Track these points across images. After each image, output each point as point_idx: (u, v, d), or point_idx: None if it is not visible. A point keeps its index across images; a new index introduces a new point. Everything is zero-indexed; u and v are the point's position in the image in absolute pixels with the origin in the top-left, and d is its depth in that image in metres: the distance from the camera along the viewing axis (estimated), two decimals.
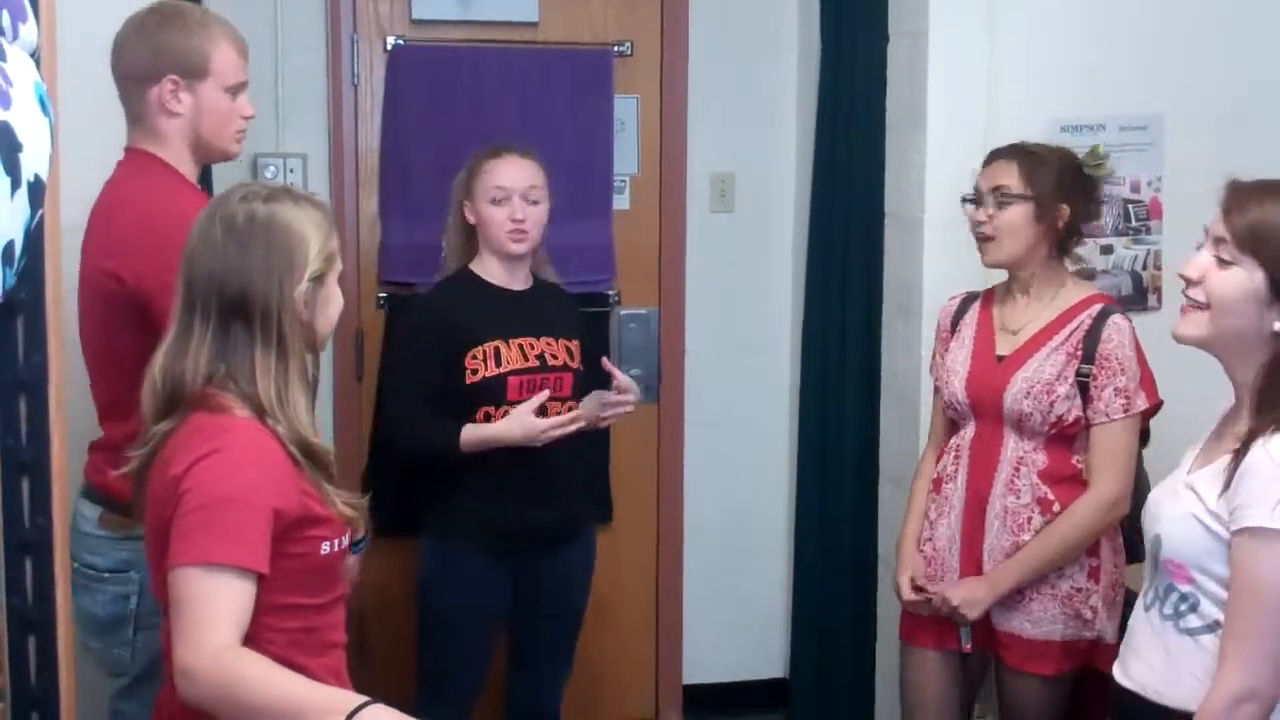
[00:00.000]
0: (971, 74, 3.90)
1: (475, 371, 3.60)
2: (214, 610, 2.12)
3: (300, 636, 2.33)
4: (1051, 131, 3.74)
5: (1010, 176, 3.27)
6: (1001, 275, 3.40)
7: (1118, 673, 2.51)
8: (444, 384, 3.60)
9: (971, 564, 3.32)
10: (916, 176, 3.93)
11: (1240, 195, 2.35)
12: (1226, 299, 2.34)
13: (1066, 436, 3.24)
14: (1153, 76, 4.01)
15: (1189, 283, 2.40)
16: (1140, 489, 3.29)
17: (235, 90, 2.97)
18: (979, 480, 3.30)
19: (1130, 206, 4.02)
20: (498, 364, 3.61)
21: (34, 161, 1.66)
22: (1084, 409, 3.21)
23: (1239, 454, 2.28)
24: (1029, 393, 3.22)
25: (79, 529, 2.90)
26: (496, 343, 3.62)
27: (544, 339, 3.68)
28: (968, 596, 3.26)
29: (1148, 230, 4.03)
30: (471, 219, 3.71)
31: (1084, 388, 3.20)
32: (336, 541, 2.38)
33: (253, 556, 2.17)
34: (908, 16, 4.01)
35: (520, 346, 3.64)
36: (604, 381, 3.74)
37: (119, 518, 2.79)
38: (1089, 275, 3.96)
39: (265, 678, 2.12)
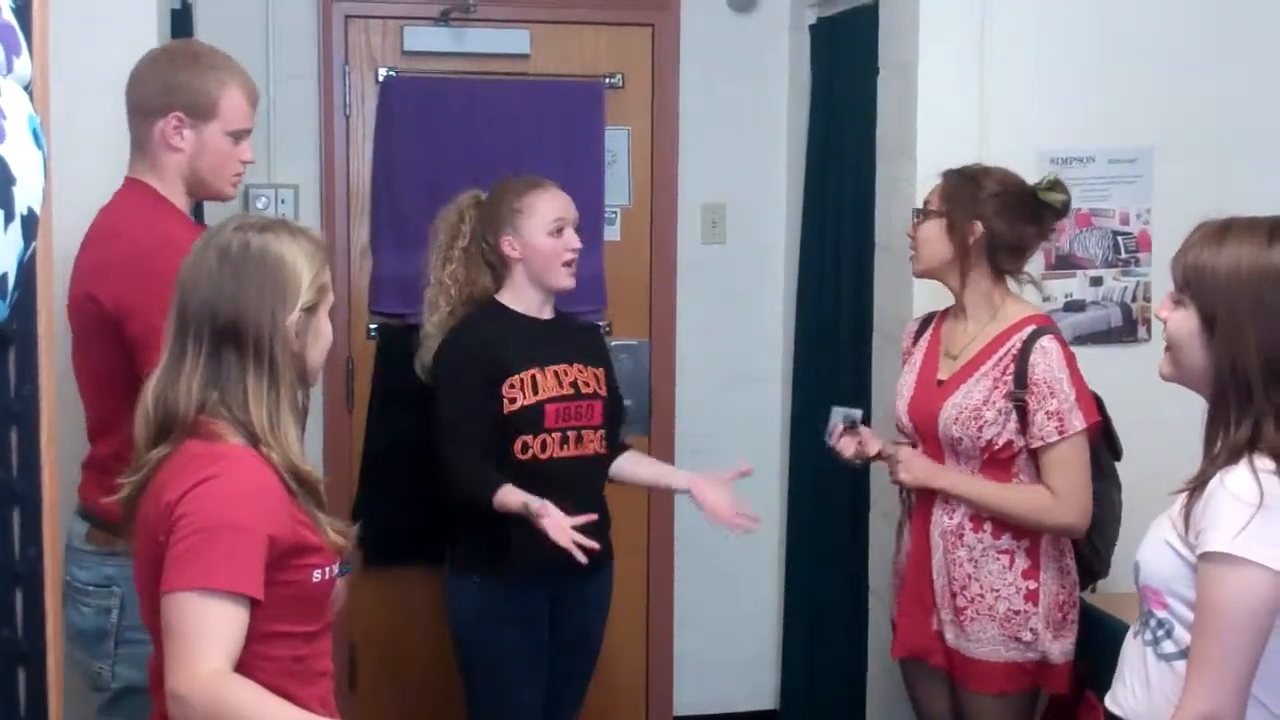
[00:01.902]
0: (961, 105, 3.90)
1: (514, 400, 3.59)
2: (207, 636, 2.13)
3: (291, 665, 2.33)
4: (1041, 163, 3.76)
5: (934, 194, 3.39)
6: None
7: (1108, 700, 2.54)
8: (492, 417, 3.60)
9: (923, 579, 3.37)
10: (906, 208, 3.93)
11: (1193, 238, 2.42)
12: (1178, 338, 2.41)
13: (1001, 460, 3.26)
14: (1143, 109, 4.02)
15: (1164, 323, 2.45)
16: (1106, 513, 3.34)
17: (239, 135, 3.02)
18: (925, 501, 3.37)
19: (1120, 238, 4.02)
20: (535, 392, 3.60)
21: (27, 195, 1.67)
22: (1022, 433, 3.23)
23: (1196, 490, 2.32)
24: (957, 419, 3.26)
25: (70, 545, 2.96)
26: (534, 370, 3.61)
27: (576, 365, 3.68)
28: (915, 474, 3.34)
29: (1137, 262, 4.04)
30: (515, 253, 3.66)
31: (1021, 412, 3.22)
32: (327, 570, 2.39)
33: (247, 582, 2.17)
34: (898, 48, 4.02)
35: (556, 374, 3.64)
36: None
37: (105, 534, 2.85)
38: (1079, 306, 3.98)
39: (257, 704, 2.13)
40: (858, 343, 4.37)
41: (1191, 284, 2.38)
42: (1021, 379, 3.21)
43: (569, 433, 3.64)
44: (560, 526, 3.35)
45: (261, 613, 2.20)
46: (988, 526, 3.27)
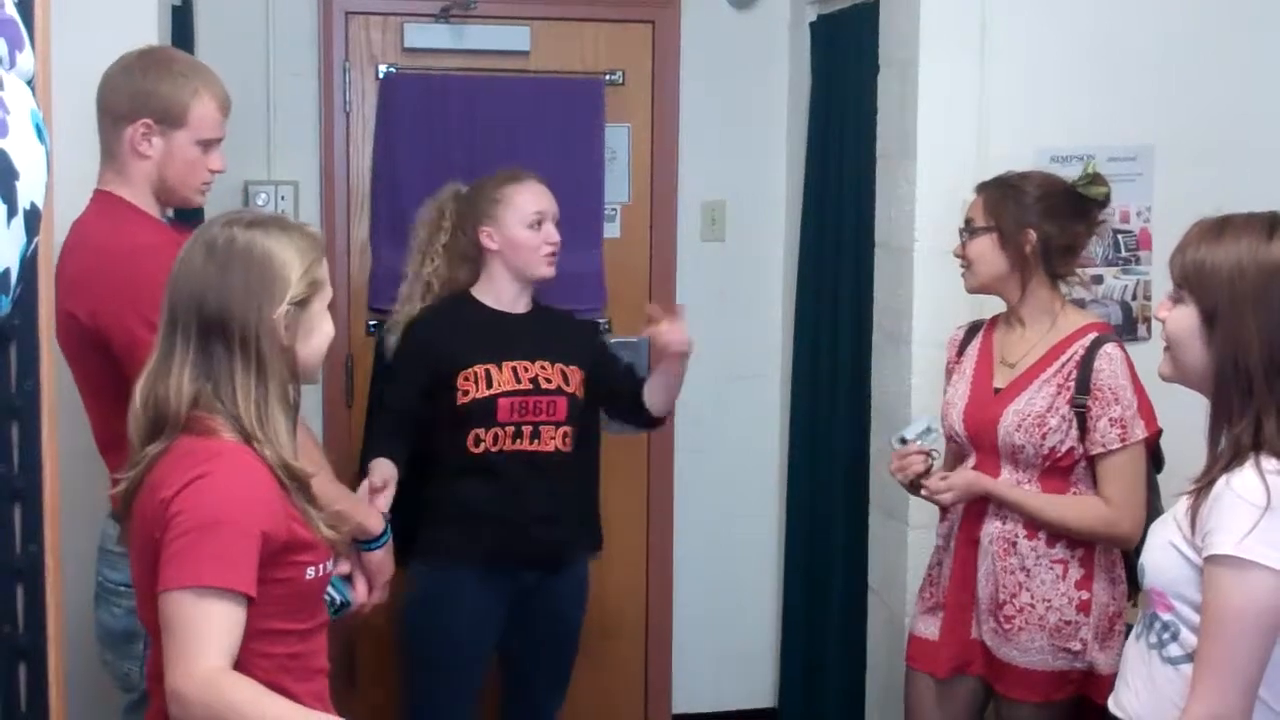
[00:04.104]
0: (962, 104, 3.90)
1: (467, 393, 3.62)
2: (205, 634, 2.14)
3: (286, 662, 2.34)
4: (1041, 161, 3.75)
5: (976, 209, 3.34)
6: (996, 303, 3.42)
7: (1111, 703, 2.52)
8: (436, 406, 3.64)
9: (967, 591, 3.32)
10: (906, 206, 3.94)
11: (1191, 235, 2.42)
12: (1177, 336, 2.41)
13: (1061, 469, 3.23)
14: (1143, 107, 4.02)
15: (1162, 323, 2.45)
16: (1150, 522, 3.29)
17: (209, 144, 3.01)
18: (974, 510, 3.31)
19: (1120, 237, 4.02)
20: (489, 386, 3.62)
21: (30, 189, 1.67)
22: (1082, 440, 3.21)
23: (1202, 490, 2.31)
24: (1020, 425, 3.21)
25: (104, 547, 3.00)
26: (489, 365, 3.63)
27: (539, 362, 3.67)
28: (956, 489, 3.27)
29: (1137, 261, 4.04)
30: (493, 245, 3.69)
31: (1082, 419, 3.20)
32: (321, 566, 2.40)
33: (242, 579, 2.18)
34: (898, 46, 4.02)
35: (514, 369, 3.65)
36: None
37: None
38: (1078, 304, 3.97)
39: (256, 702, 2.14)
40: (857, 340, 4.37)
41: (1190, 280, 2.38)
42: (1084, 385, 3.18)
43: (524, 428, 3.65)
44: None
45: (256, 610, 2.21)
46: (1042, 535, 3.22)
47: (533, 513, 3.66)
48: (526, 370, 3.66)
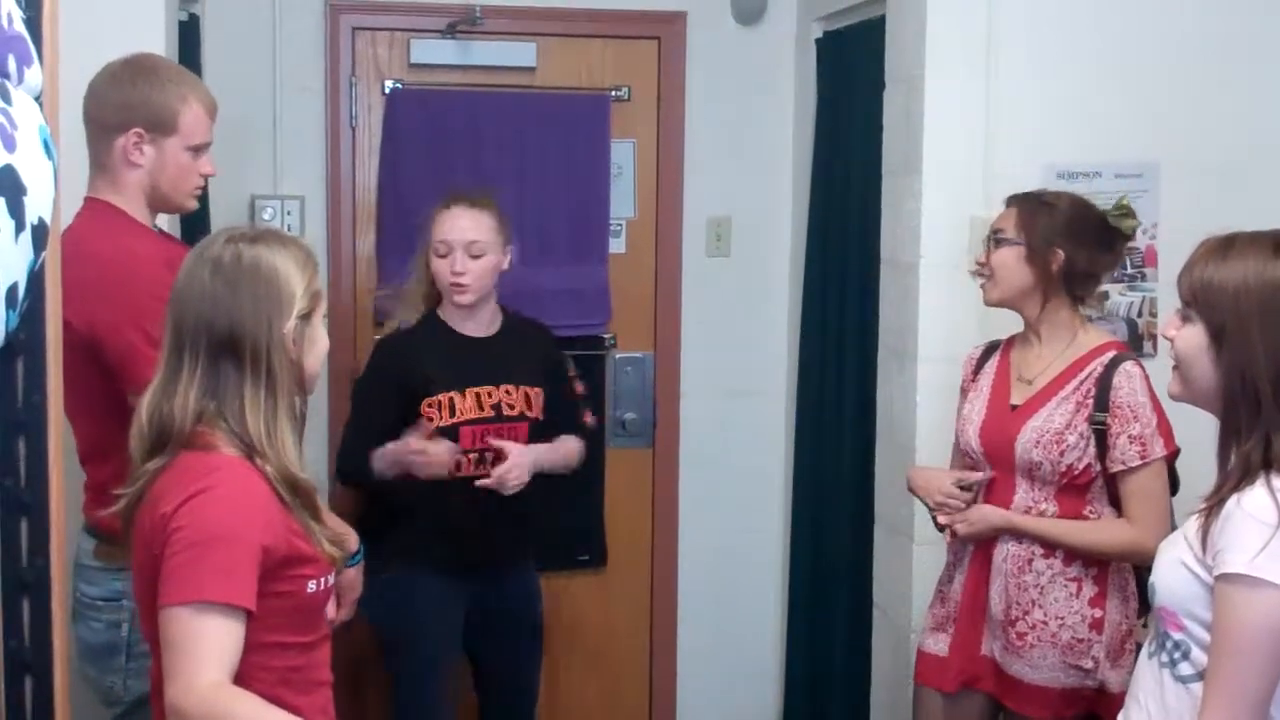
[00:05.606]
0: (968, 120, 3.90)
1: (431, 420, 3.68)
2: (205, 649, 2.15)
3: (288, 675, 2.35)
4: (1048, 178, 3.75)
5: (1008, 221, 3.33)
6: (1006, 321, 3.42)
7: None
8: (402, 428, 3.67)
9: (978, 609, 3.33)
10: (912, 222, 3.93)
11: (1198, 254, 2.43)
12: (1186, 355, 2.41)
13: (1078, 486, 3.22)
14: (1149, 124, 4.02)
15: (1170, 342, 2.46)
16: None
17: (198, 149, 3.04)
18: None
19: (1126, 254, 4.01)
20: (452, 414, 3.69)
21: (38, 205, 1.67)
22: (1101, 458, 3.20)
23: (1212, 509, 2.31)
24: (1038, 442, 3.21)
25: (79, 561, 2.99)
26: (452, 394, 3.70)
27: (503, 387, 3.74)
28: (974, 525, 3.28)
29: (1143, 278, 4.04)
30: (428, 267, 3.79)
31: (1101, 436, 3.19)
32: (323, 580, 2.41)
33: (242, 593, 2.19)
34: (904, 62, 4.02)
35: (477, 396, 3.71)
36: (566, 427, 3.86)
37: (113, 550, 2.85)
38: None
39: (257, 715, 2.16)
40: (862, 357, 4.36)
41: (1198, 299, 2.38)
42: (1103, 403, 3.19)
43: (487, 454, 3.70)
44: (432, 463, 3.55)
45: (256, 624, 2.23)
46: (1059, 553, 3.22)
47: (476, 521, 3.71)
48: (490, 395, 3.73)
